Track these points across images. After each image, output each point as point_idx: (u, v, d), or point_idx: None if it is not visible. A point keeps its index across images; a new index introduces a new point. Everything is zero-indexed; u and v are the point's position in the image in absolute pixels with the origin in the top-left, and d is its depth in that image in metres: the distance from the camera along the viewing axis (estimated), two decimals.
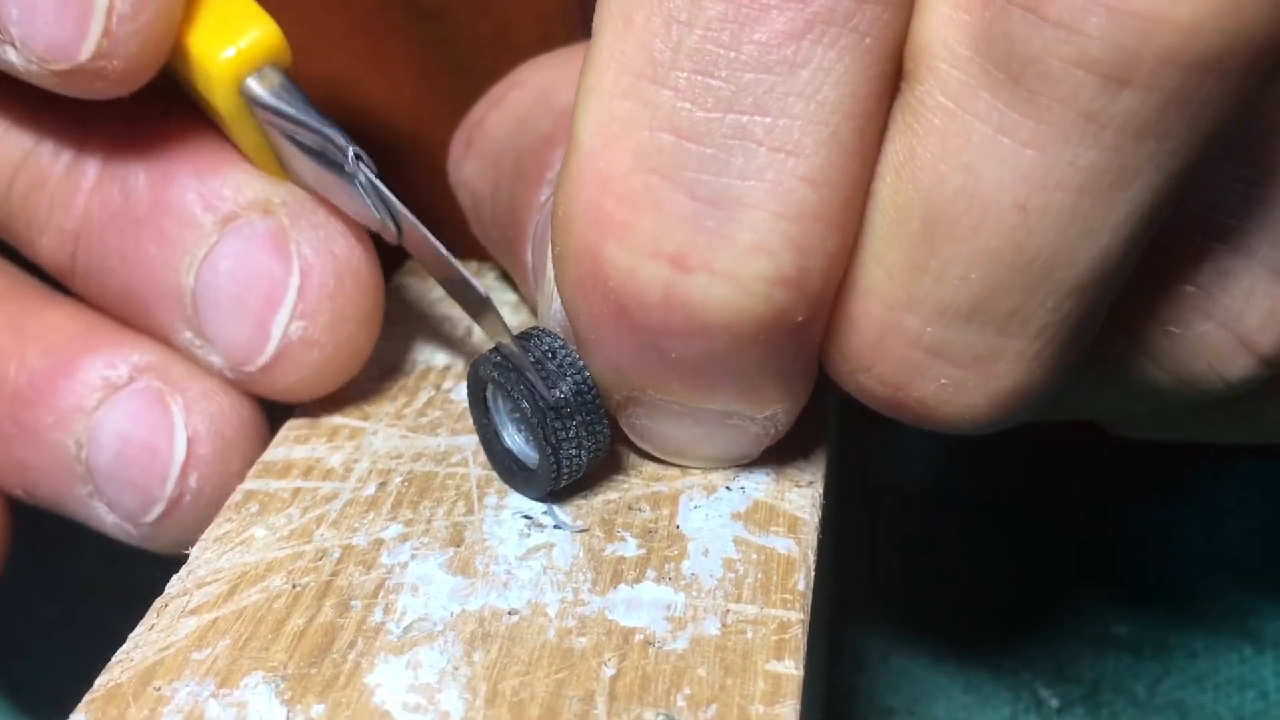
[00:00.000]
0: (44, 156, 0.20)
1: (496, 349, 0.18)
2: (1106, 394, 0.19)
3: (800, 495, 0.18)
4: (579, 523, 0.18)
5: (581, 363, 0.18)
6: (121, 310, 0.20)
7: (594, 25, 0.16)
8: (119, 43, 0.18)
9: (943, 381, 0.16)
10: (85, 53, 0.18)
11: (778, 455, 0.19)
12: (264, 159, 0.19)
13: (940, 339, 0.16)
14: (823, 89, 0.15)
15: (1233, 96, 0.14)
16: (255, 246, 0.19)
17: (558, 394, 0.17)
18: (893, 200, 0.16)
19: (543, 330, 0.18)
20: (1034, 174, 0.15)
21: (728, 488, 0.19)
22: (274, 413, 0.21)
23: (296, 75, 0.19)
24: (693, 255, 0.15)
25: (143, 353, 0.20)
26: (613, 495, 0.18)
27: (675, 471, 0.19)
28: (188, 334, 0.19)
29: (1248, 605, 0.27)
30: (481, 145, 0.21)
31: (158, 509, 0.18)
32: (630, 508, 0.18)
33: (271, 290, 0.19)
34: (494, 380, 0.18)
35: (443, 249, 0.18)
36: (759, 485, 0.19)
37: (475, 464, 0.19)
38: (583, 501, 0.18)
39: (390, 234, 0.19)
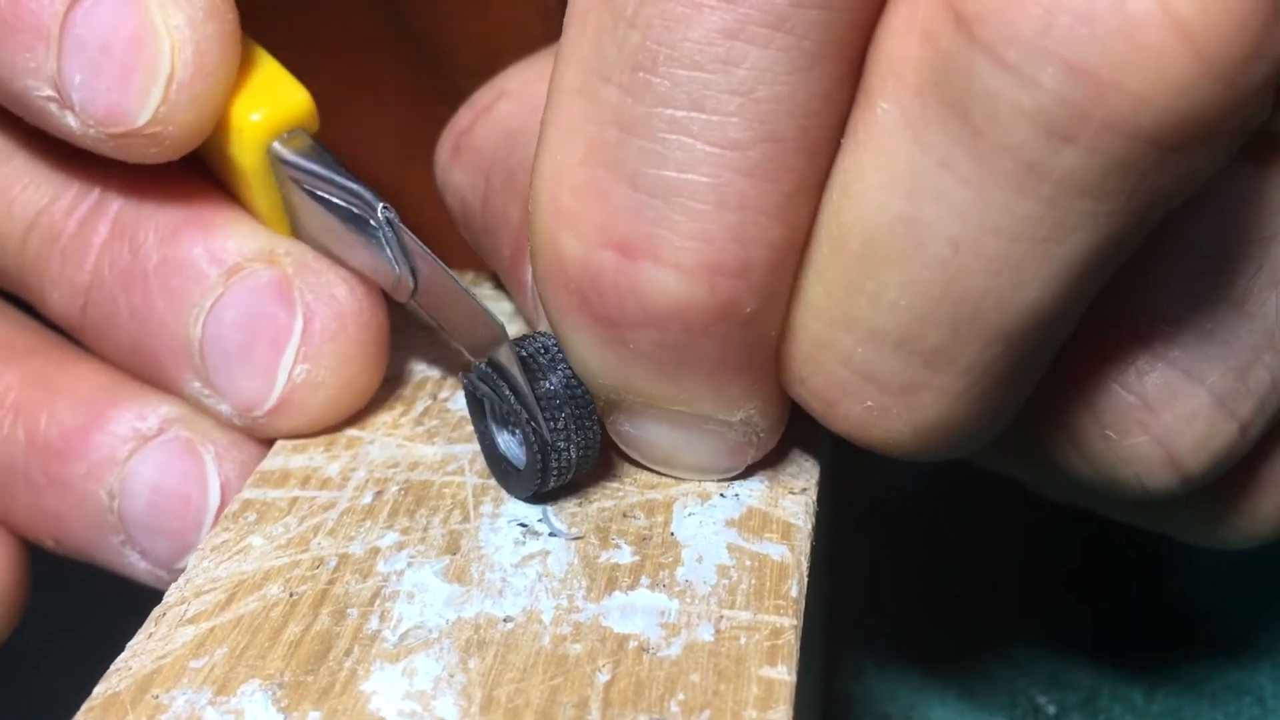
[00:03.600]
0: (58, 214, 0.20)
1: (489, 359, 0.18)
2: (1023, 462, 0.20)
3: (794, 502, 0.19)
4: (574, 530, 0.18)
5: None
6: (130, 363, 0.21)
7: (563, 24, 0.17)
8: (177, 109, 0.19)
9: (869, 404, 0.17)
10: (144, 118, 0.18)
11: (772, 462, 0.19)
12: (275, 218, 0.20)
13: (869, 362, 0.16)
14: (758, 88, 0.15)
15: (1178, 172, 0.14)
16: (259, 295, 0.19)
17: (546, 385, 0.18)
18: (837, 216, 0.16)
19: (538, 333, 0.19)
20: (970, 213, 0.15)
21: (721, 495, 0.19)
22: None
23: None
24: (637, 244, 0.16)
25: (170, 405, 0.20)
26: (607, 503, 0.19)
27: (669, 479, 0.19)
28: (196, 384, 0.20)
29: (1245, 611, 0.27)
30: (470, 156, 0.21)
31: (191, 556, 0.19)
32: (625, 515, 0.18)
33: (276, 335, 0.19)
34: (486, 381, 0.18)
35: (476, 300, 0.18)
36: (752, 492, 0.19)
37: (471, 472, 0.19)
38: (577, 509, 0.18)
39: (404, 289, 0.19)
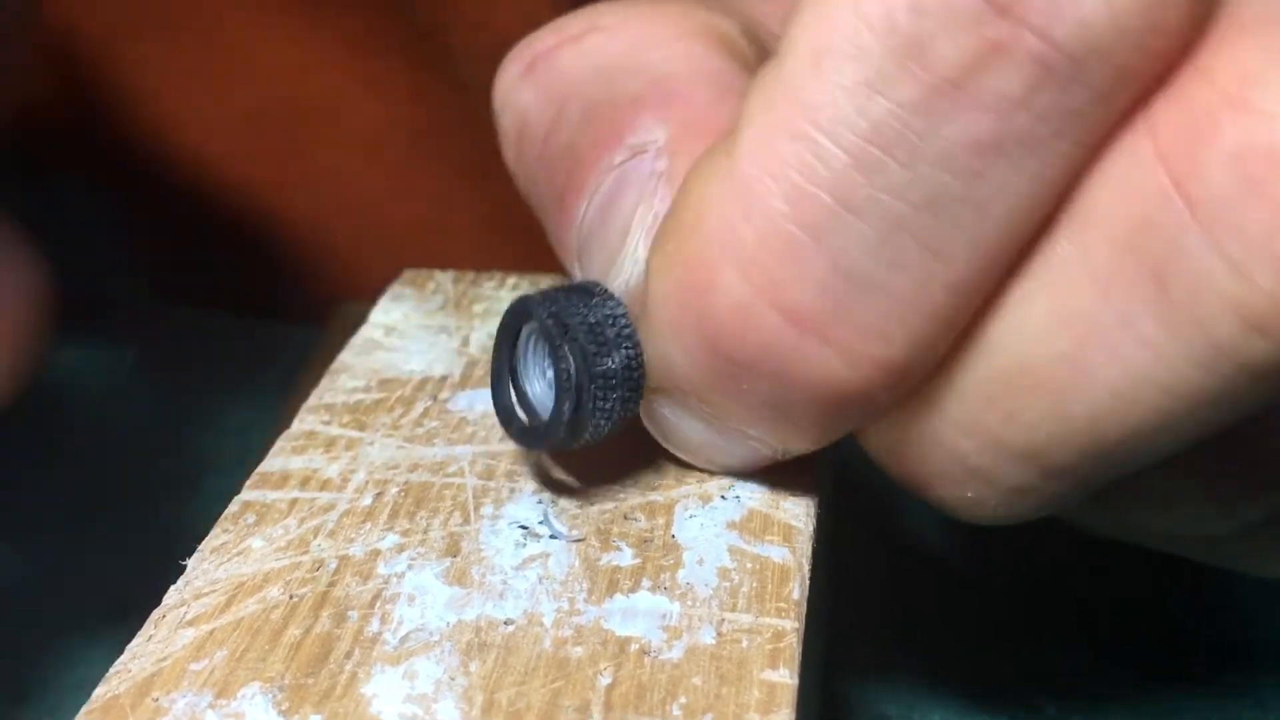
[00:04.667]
0: None
1: (554, 296, 0.17)
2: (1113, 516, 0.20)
3: (795, 504, 0.18)
4: (575, 532, 0.18)
5: (637, 337, 0.17)
6: None
7: (780, 47, 0.15)
8: None
9: (969, 495, 0.17)
10: None
11: (774, 464, 0.19)
12: None
13: (984, 466, 0.16)
14: (994, 206, 0.15)
15: None
16: None
17: (609, 364, 0.17)
18: (994, 336, 0.16)
19: (604, 291, 0.18)
20: (1140, 372, 0.15)
21: (723, 497, 0.19)
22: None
23: (291, 97, 0.19)
24: (812, 319, 0.15)
25: None
26: (608, 505, 0.18)
27: (671, 481, 0.19)
28: None
29: (1247, 612, 0.27)
30: (546, 78, 0.20)
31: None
32: (626, 517, 0.18)
33: None
34: (544, 327, 0.17)
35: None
36: (754, 494, 0.19)
37: (471, 474, 0.19)
38: (578, 511, 0.18)
39: None
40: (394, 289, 0.24)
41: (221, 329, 0.39)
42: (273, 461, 0.20)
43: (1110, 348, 0.15)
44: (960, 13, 0.14)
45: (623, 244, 0.18)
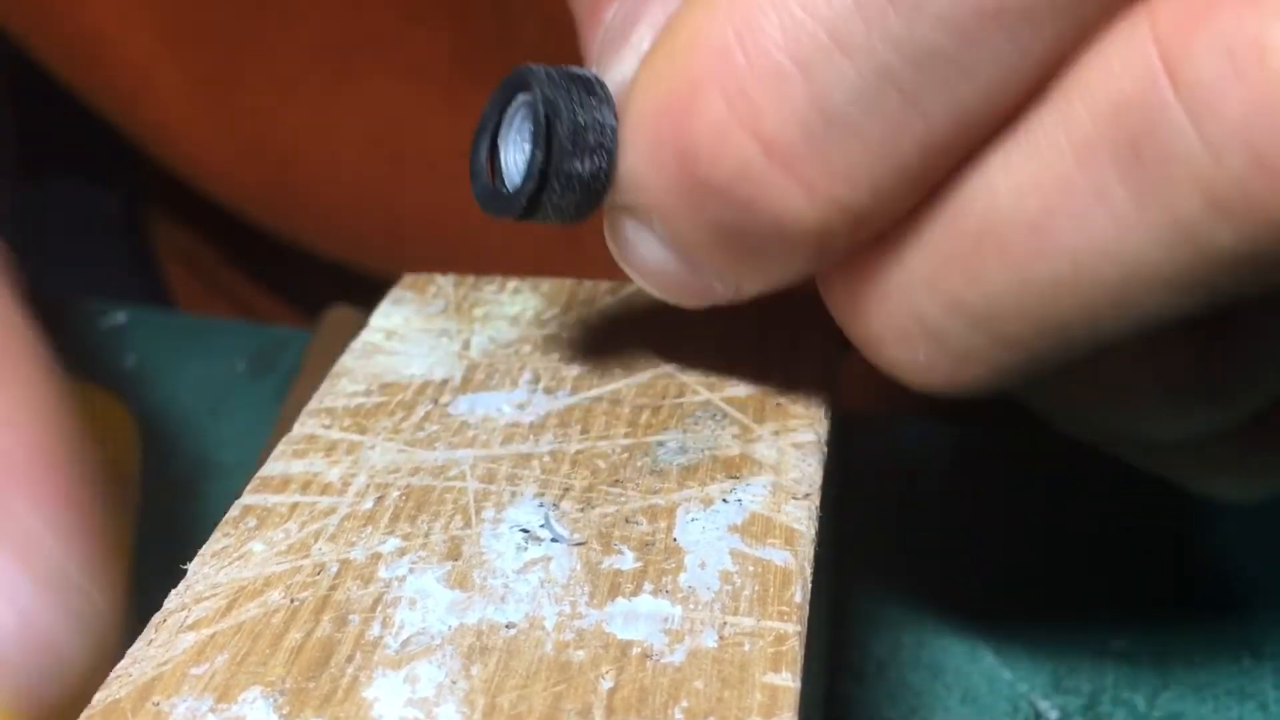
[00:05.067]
0: None
1: (558, 80, 0.17)
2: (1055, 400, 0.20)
3: (797, 507, 0.18)
4: (576, 536, 0.18)
5: (615, 151, 0.17)
6: None
7: None
8: None
9: (920, 357, 0.17)
10: None
11: (775, 467, 0.19)
12: None
13: (940, 326, 0.17)
14: (981, 72, 0.15)
15: None
16: None
17: (578, 167, 0.17)
18: (965, 196, 0.16)
19: (607, 91, 0.17)
20: (1103, 244, 0.15)
21: (724, 500, 0.19)
22: None
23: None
24: (785, 151, 0.16)
25: None
26: (609, 508, 0.18)
27: (672, 484, 0.19)
28: None
29: (1247, 615, 0.27)
30: None
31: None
32: (627, 520, 0.18)
33: None
34: (534, 108, 0.17)
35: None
36: (756, 498, 0.19)
37: (472, 478, 0.19)
38: (580, 515, 0.18)
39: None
40: (395, 292, 0.24)
41: (216, 329, 0.39)
42: (273, 465, 0.19)
43: (1078, 216, 0.15)
44: None
45: (627, 39, 0.18)
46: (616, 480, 0.19)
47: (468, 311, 0.24)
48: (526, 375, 0.22)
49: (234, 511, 0.18)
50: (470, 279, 0.25)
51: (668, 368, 0.22)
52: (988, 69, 0.15)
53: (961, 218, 0.16)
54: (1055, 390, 0.20)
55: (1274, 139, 0.14)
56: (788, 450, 0.20)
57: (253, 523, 0.18)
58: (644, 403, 0.21)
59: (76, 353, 0.36)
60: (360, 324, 0.33)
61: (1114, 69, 0.15)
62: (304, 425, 0.20)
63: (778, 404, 0.21)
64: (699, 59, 0.16)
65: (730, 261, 0.18)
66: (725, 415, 0.20)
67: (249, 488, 0.19)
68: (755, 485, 0.19)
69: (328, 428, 0.20)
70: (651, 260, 0.18)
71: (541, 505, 0.19)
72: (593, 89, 0.17)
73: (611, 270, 0.23)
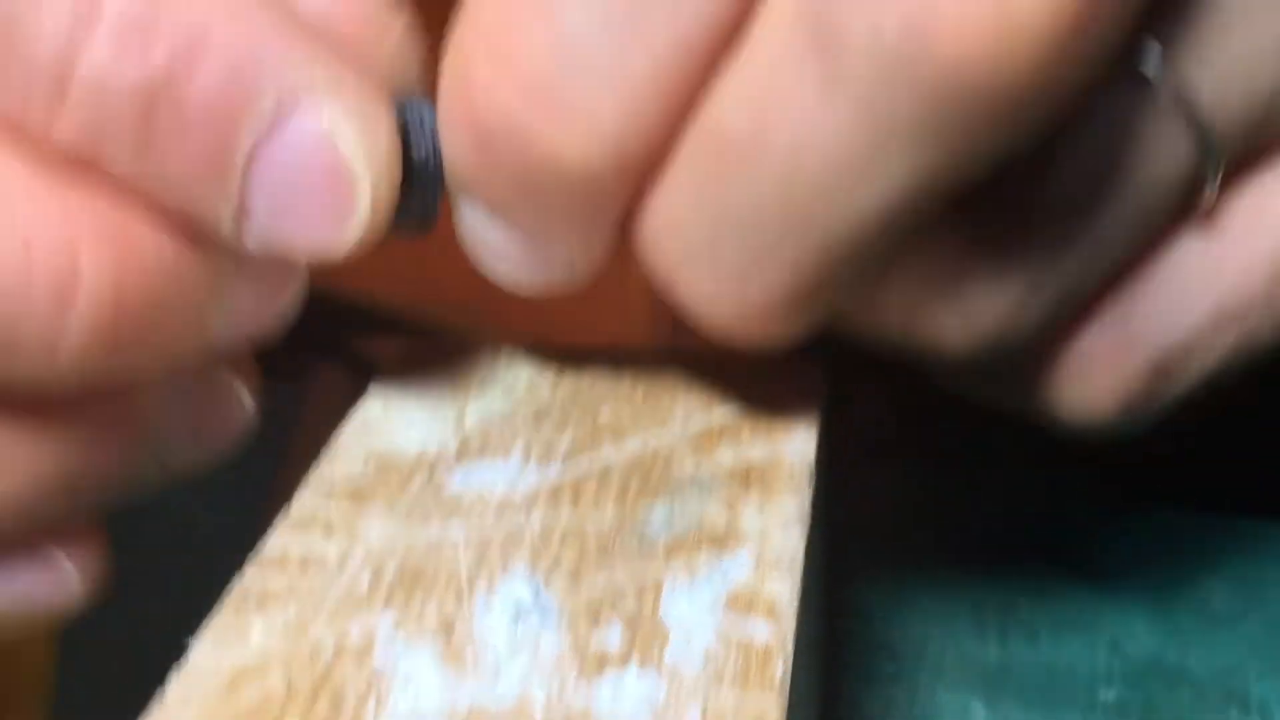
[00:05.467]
0: None
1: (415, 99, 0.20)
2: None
3: (780, 580, 0.19)
4: (565, 611, 0.18)
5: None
6: None
7: None
8: (370, 240, 0.20)
9: (705, 287, 0.19)
10: (342, 253, 0.20)
11: (759, 538, 0.20)
12: None
13: (710, 246, 0.18)
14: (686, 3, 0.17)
15: (998, 129, 0.17)
16: None
17: (414, 155, 0.20)
18: (704, 117, 0.18)
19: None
20: (809, 133, 0.17)
21: (710, 574, 0.19)
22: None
23: None
24: (540, 93, 0.18)
25: None
26: (598, 583, 0.19)
27: (659, 557, 0.19)
28: None
29: (1233, 665, 0.28)
30: None
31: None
32: (615, 595, 0.19)
33: None
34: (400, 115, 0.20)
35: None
36: (740, 570, 0.19)
37: (465, 553, 0.20)
38: (569, 589, 0.19)
39: None
40: (392, 361, 0.25)
41: None
42: (273, 543, 0.20)
43: (785, 113, 0.17)
44: None
45: None
46: (605, 554, 0.20)
47: (463, 381, 0.24)
48: (519, 445, 0.22)
49: (234, 591, 0.19)
50: (466, 344, 0.25)
51: (656, 434, 0.22)
52: None
53: (705, 138, 0.18)
54: (862, 313, 0.21)
55: (916, 5, 0.16)
56: (771, 522, 0.20)
57: (253, 602, 0.19)
58: (632, 474, 0.21)
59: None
60: (351, 385, 0.34)
61: None
62: (303, 501, 0.21)
63: (762, 474, 0.21)
64: (468, 30, 0.18)
65: (541, 221, 0.19)
66: (711, 484, 0.21)
67: (249, 566, 0.20)
68: (740, 557, 0.19)
69: (325, 503, 0.21)
70: (490, 242, 0.20)
71: (532, 581, 0.19)
72: (429, 106, 0.20)
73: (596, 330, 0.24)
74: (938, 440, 0.25)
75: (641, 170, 0.18)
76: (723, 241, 0.18)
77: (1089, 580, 0.30)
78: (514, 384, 0.24)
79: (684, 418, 0.23)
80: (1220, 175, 0.21)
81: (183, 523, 0.33)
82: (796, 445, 0.22)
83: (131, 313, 0.19)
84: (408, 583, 0.19)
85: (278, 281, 0.21)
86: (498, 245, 0.20)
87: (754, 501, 0.21)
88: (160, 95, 0.18)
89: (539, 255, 0.20)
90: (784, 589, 0.19)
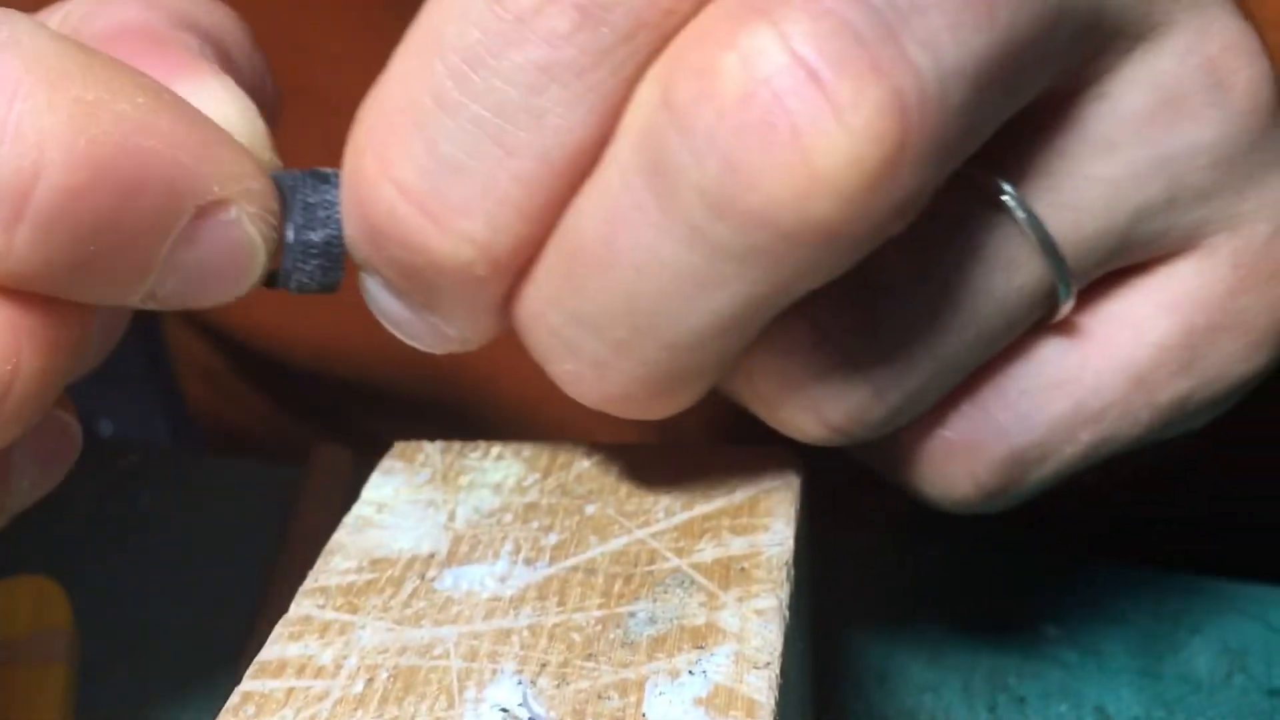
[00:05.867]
0: None
1: (300, 176, 0.22)
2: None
3: (758, 677, 0.20)
4: (552, 714, 0.19)
5: (341, 223, 0.21)
6: None
7: None
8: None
9: (569, 369, 0.21)
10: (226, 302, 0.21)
11: (739, 636, 0.20)
12: None
13: (570, 338, 0.20)
14: (548, 117, 0.19)
15: (811, 261, 0.18)
16: None
17: (312, 236, 0.21)
18: (566, 224, 0.20)
19: (337, 181, 0.21)
20: (650, 250, 0.19)
21: (690, 672, 0.20)
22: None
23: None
24: (415, 194, 0.19)
25: None
26: (583, 684, 0.20)
27: (642, 656, 0.20)
28: None
29: None
30: None
31: None
32: (599, 696, 0.19)
33: None
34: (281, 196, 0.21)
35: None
36: (720, 668, 0.20)
37: (456, 656, 0.20)
38: (555, 691, 0.20)
39: None
40: (385, 463, 0.26)
41: (228, 470, 0.40)
42: (270, 649, 0.21)
43: (629, 229, 0.19)
44: None
45: None
46: (590, 654, 0.20)
47: (454, 480, 0.25)
48: (508, 546, 0.23)
49: (234, 699, 0.20)
50: (456, 445, 0.26)
51: (639, 533, 0.23)
52: (555, 113, 0.19)
53: (565, 245, 0.20)
54: (732, 395, 0.23)
55: (736, 143, 0.17)
56: (750, 617, 0.21)
57: (251, 710, 0.20)
58: (616, 571, 0.22)
59: (93, 493, 0.38)
60: (347, 463, 0.35)
61: (641, 103, 0.19)
62: (299, 606, 0.22)
63: (741, 569, 0.22)
64: (361, 132, 0.20)
65: (427, 299, 0.21)
66: (693, 582, 0.22)
67: (248, 673, 0.20)
68: (719, 655, 0.20)
69: (321, 608, 0.22)
70: (388, 308, 0.22)
71: (520, 683, 0.20)
72: (327, 179, 0.21)
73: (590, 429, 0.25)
74: (923, 510, 0.26)
75: (511, 267, 0.20)
76: (580, 336, 0.20)
77: (1075, 646, 0.31)
78: (502, 483, 0.25)
79: (666, 513, 0.24)
80: (1073, 293, 0.22)
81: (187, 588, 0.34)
82: (775, 537, 0.23)
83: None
84: (400, 687, 0.20)
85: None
86: (395, 313, 0.22)
87: (734, 596, 0.21)
88: (103, 226, 0.19)
89: (429, 326, 0.22)
90: (762, 685, 0.20)
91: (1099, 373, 0.23)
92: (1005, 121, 0.20)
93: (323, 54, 0.37)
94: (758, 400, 0.22)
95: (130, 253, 0.20)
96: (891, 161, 0.17)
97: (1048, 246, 0.22)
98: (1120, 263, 0.23)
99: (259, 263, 0.21)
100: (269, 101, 0.24)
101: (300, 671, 0.20)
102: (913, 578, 0.34)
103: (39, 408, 0.20)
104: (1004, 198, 0.22)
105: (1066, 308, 0.23)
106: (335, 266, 0.22)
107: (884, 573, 0.33)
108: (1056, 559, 0.34)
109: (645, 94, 0.19)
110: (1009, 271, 0.22)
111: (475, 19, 0.19)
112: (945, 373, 0.22)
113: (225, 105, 0.21)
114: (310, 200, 0.21)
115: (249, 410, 0.50)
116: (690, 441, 0.23)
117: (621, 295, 0.19)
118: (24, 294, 0.20)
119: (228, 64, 0.23)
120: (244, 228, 0.20)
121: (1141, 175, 0.22)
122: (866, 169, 0.17)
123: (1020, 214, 0.22)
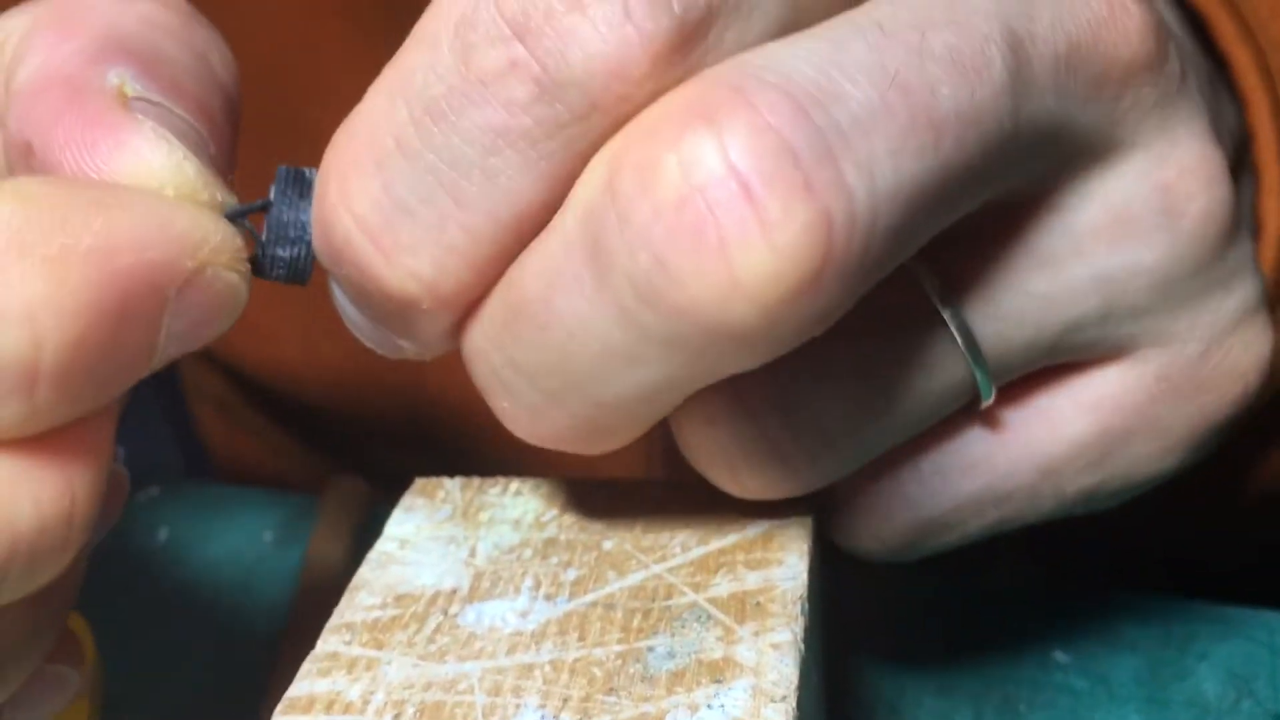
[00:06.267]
0: None
1: (286, 182, 0.22)
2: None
3: (775, 711, 0.20)
4: None
5: (310, 241, 0.22)
6: None
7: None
8: None
9: (506, 407, 0.21)
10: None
11: (755, 669, 0.21)
12: None
13: (507, 380, 0.21)
14: (500, 177, 0.20)
15: (731, 354, 0.19)
16: None
17: (281, 253, 0.22)
18: (510, 278, 0.21)
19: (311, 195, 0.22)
20: (582, 319, 0.19)
21: (708, 706, 0.20)
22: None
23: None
24: (369, 227, 0.20)
25: None
26: (605, 718, 0.20)
27: (661, 691, 0.21)
28: None
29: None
30: None
31: None
32: None
33: None
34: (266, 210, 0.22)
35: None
36: (737, 702, 0.20)
37: (480, 691, 0.21)
38: None
39: None
40: (406, 499, 0.26)
41: (245, 500, 0.41)
42: (300, 685, 0.21)
43: (566, 296, 0.19)
44: (496, 34, 0.19)
45: None
46: (611, 689, 0.21)
47: (474, 516, 0.26)
48: (528, 582, 0.24)
49: None
50: (476, 482, 0.27)
51: (656, 568, 0.24)
52: (506, 174, 0.20)
53: (510, 293, 0.20)
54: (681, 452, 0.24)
55: (668, 243, 0.18)
56: (766, 651, 0.21)
57: None
58: (635, 606, 0.23)
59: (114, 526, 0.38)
60: (364, 493, 0.35)
61: (588, 181, 0.19)
62: (326, 642, 0.22)
63: (756, 603, 0.23)
64: (330, 155, 0.21)
65: (379, 316, 0.22)
66: (710, 616, 0.22)
67: (278, 709, 0.21)
68: (737, 688, 0.21)
69: (348, 644, 0.22)
70: (348, 313, 0.22)
71: (544, 718, 0.20)
72: (309, 190, 0.22)
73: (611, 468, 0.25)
74: None
75: (457, 305, 0.21)
76: (515, 380, 0.21)
77: (1084, 674, 0.32)
78: (522, 519, 0.25)
79: (682, 548, 0.24)
80: (994, 393, 0.23)
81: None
82: (789, 572, 0.23)
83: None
84: None
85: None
86: (354, 319, 0.22)
87: (750, 630, 0.22)
88: (107, 348, 0.19)
89: (385, 336, 0.22)
90: (778, 718, 0.20)
91: (1013, 460, 0.24)
92: (953, 224, 0.21)
93: (316, 89, 0.37)
94: (687, 454, 0.24)
95: (134, 350, 0.20)
96: (812, 279, 0.18)
97: (974, 354, 0.23)
98: (1047, 363, 0.24)
99: (242, 296, 0.21)
100: (218, 76, 0.23)
101: (329, 707, 0.21)
102: (923, 607, 0.34)
103: (95, 514, 0.21)
104: (938, 307, 0.23)
105: (986, 404, 0.24)
106: (303, 275, 0.22)
107: (894, 603, 0.34)
108: (1065, 587, 0.34)
109: (595, 171, 0.19)
110: (936, 370, 0.23)
111: (442, 72, 0.19)
112: (862, 455, 0.23)
113: (151, 161, 0.21)
114: (286, 219, 0.22)
115: (263, 440, 0.51)
116: (699, 478, 0.24)
117: (555, 352, 0.20)
118: (55, 433, 0.20)
119: (158, 71, 0.22)
120: (220, 278, 0.21)
121: (1079, 292, 0.23)
122: (786, 284, 0.18)
123: (953, 323, 0.23)
